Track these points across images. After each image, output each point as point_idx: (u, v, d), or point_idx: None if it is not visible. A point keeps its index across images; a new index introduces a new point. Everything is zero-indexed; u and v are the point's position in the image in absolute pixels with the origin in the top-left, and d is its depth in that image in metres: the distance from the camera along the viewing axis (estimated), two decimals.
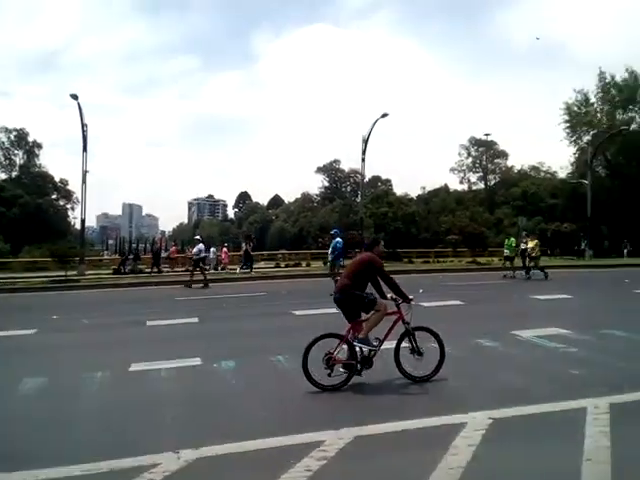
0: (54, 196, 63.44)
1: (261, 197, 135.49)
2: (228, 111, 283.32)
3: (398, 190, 71.62)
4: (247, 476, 3.87)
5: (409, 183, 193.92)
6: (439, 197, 68.41)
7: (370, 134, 30.99)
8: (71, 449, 4.34)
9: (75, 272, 23.90)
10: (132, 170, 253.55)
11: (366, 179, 39.24)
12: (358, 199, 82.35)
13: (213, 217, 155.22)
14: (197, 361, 7.09)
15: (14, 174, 67.44)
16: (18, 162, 69.53)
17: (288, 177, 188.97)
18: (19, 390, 6.06)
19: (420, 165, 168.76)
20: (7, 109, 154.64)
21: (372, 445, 4.28)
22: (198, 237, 21.64)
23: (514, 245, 20.70)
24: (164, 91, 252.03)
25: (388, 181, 79.28)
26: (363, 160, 32.05)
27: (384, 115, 30.43)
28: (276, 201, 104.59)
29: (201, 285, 18.15)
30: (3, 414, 5.33)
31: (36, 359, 7.79)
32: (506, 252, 21.05)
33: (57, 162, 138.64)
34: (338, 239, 15.81)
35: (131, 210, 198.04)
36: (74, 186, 61.30)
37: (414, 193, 73.06)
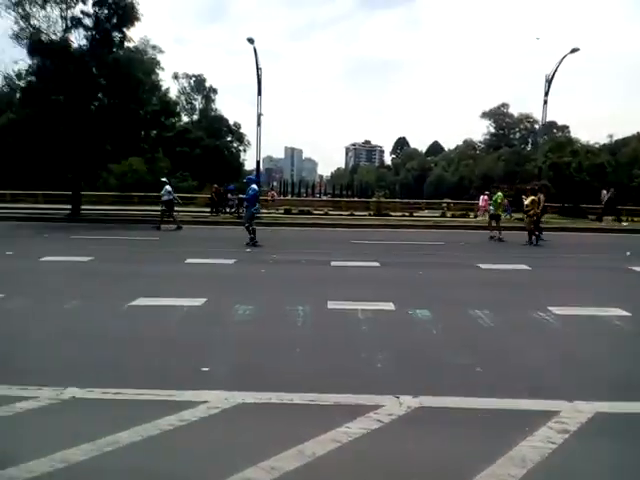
0: (229, 138, 68.73)
1: (419, 143, 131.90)
2: (386, 53, 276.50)
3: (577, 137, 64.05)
4: (479, 435, 3.64)
5: (590, 130, 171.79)
6: (629, 147, 59.42)
7: (555, 73, 28.04)
8: (291, 375, 4.55)
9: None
10: (294, 114, 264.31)
11: (542, 125, 35.54)
12: (529, 147, 75.98)
13: (370, 163, 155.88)
14: (390, 306, 7.05)
15: (195, 117, 74.41)
16: (198, 106, 76.46)
17: (449, 123, 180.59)
18: (236, 315, 6.63)
19: (604, 110, 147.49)
20: (185, 55, 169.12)
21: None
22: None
23: (499, 201, 17.27)
24: (323, 35, 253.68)
25: (565, 127, 71.10)
26: (545, 103, 29.05)
27: (574, 50, 27.20)
28: (435, 148, 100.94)
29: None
30: (231, 338, 5.84)
31: (240, 287, 8.52)
32: (491, 209, 17.72)
33: (228, 106, 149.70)
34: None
35: (293, 154, 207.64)
36: (245, 129, 65.99)
37: (596, 142, 64.91)
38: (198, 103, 76.53)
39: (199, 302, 7.12)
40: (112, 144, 23.44)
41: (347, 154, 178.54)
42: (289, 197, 70.42)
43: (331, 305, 7.02)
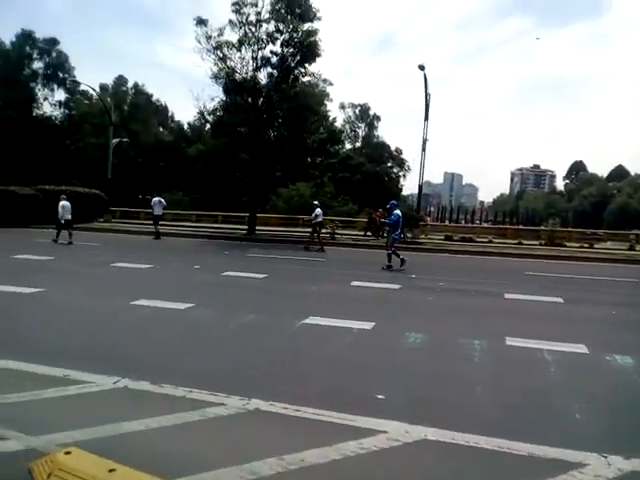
0: (389, 164, 69.79)
1: (598, 168, 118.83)
2: (562, 71, 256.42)
3: None
4: None
5: None
6: None
7: None
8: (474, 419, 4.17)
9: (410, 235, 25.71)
10: (455, 139, 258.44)
11: None
12: None
13: (537, 189, 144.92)
14: (582, 348, 6.20)
15: (357, 144, 77.13)
16: (361, 134, 79.25)
17: (636, 144, 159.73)
18: (407, 342, 6.42)
19: None
20: (351, 86, 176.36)
21: None
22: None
23: None
24: (491, 57, 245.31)
25: None
26: None
27: None
28: (619, 172, 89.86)
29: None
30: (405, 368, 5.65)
31: (409, 313, 8.30)
32: None
33: (390, 132, 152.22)
34: None
35: (452, 179, 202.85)
36: (406, 154, 66.41)
37: None
38: (361, 131, 79.36)
39: (368, 325, 7.07)
40: (283, 170, 25.41)
41: (512, 179, 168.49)
42: (447, 223, 68.62)
43: (510, 342, 6.42)
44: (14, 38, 64.08)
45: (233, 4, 20.70)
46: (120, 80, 69.76)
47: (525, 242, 25.54)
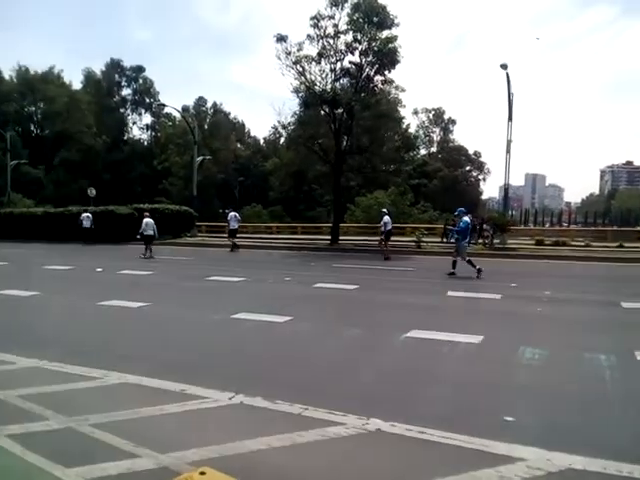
0: (467, 168, 67.80)
1: None
2: None
3: None
4: None
5: None
6: None
7: None
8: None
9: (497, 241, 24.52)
10: (536, 138, 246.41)
11: None
12: None
13: (632, 186, 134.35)
14: None
15: (432, 150, 75.61)
16: (435, 138, 77.62)
17: None
18: (523, 358, 5.98)
19: None
20: (424, 91, 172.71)
21: None
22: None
23: None
24: (573, 51, 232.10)
25: None
26: None
27: None
28: None
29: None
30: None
31: (518, 325, 7.79)
32: None
33: (467, 136, 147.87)
34: None
35: (534, 180, 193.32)
36: (485, 157, 64.22)
37: None
38: (436, 135, 77.82)
39: (476, 339, 6.68)
40: (361, 179, 25.30)
41: (602, 178, 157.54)
42: (531, 226, 65.21)
43: None
44: (104, 67, 69.41)
45: (311, 19, 21.06)
46: (200, 101, 73.32)
47: (627, 245, 23.56)
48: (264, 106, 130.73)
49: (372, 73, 21.48)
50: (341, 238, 25.27)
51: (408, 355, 6.29)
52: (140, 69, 69.50)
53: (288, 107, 34.67)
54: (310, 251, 21.89)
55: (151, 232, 19.86)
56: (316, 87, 21.49)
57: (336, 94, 21.10)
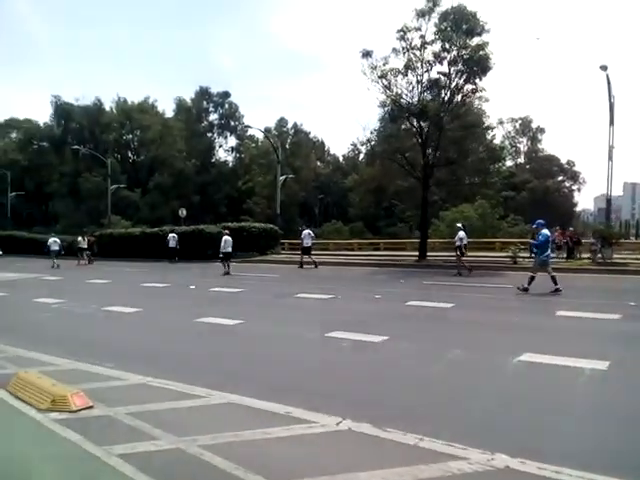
0: (560, 178, 63.94)
1: None
2: None
3: None
4: None
5: None
6: None
7: None
8: None
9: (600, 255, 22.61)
10: (636, 143, 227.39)
11: None
12: None
13: None
14: None
15: (519, 160, 72.11)
16: (522, 149, 74.03)
17: None
18: None
19: None
20: (509, 99, 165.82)
21: None
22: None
23: None
24: None
25: None
26: None
27: None
28: None
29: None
30: None
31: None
32: None
33: (556, 144, 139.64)
34: None
35: (634, 190, 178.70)
36: (579, 166, 60.31)
37: None
38: (523, 145, 74.37)
39: (602, 365, 5.95)
40: (446, 193, 24.52)
41: None
42: (632, 239, 60.04)
43: None
44: (193, 95, 73.59)
45: (398, 32, 20.78)
46: (281, 122, 75.41)
47: None
48: (343, 124, 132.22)
49: (461, 82, 20.86)
50: (428, 254, 24.49)
51: (526, 381, 5.71)
52: (226, 94, 72.89)
53: (369, 122, 34.68)
54: (397, 268, 21.35)
55: (229, 249, 20.60)
56: (402, 100, 21.16)
57: (424, 106, 20.61)
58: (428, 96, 21.30)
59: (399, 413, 4.70)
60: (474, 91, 20.85)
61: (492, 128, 23.12)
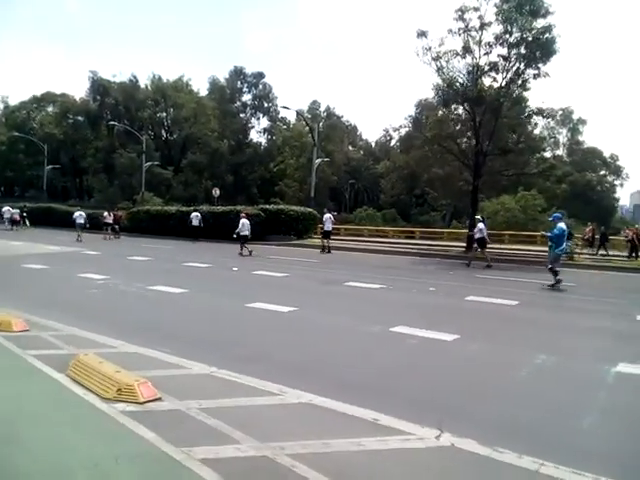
0: (602, 172, 61.60)
1: None
2: None
3: None
4: None
5: None
6: None
7: None
8: None
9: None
10: None
11: None
12: None
13: None
14: None
15: (557, 152, 69.65)
16: (562, 140, 71.43)
17: None
18: None
19: None
20: (547, 88, 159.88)
21: None
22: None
23: None
24: None
25: None
26: None
27: None
28: None
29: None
30: None
31: None
32: None
33: (600, 137, 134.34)
34: None
35: None
36: (623, 161, 58.04)
37: None
38: (562, 137, 71.78)
39: None
40: (489, 183, 23.52)
41: None
42: None
43: None
44: (227, 75, 73.15)
45: (456, 11, 19.84)
46: (314, 105, 74.41)
47: None
48: (375, 109, 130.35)
49: (523, 66, 19.73)
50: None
51: (630, 397, 5.10)
52: (260, 75, 72.23)
53: (406, 108, 33.60)
54: (443, 259, 20.54)
55: (246, 232, 20.51)
56: (457, 84, 20.18)
57: (482, 90, 19.59)
58: (485, 80, 20.28)
59: (501, 428, 4.20)
60: (536, 76, 19.69)
61: (552, 116, 21.58)
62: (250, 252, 19.72)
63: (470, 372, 5.81)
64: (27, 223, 36.55)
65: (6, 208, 36.09)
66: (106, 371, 4.82)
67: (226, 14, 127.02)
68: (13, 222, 35.07)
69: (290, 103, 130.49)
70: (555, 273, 12.50)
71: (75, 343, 6.23)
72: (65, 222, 32.57)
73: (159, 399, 4.46)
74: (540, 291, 12.40)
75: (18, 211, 36.22)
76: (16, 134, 62.15)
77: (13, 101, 77.05)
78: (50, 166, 57.03)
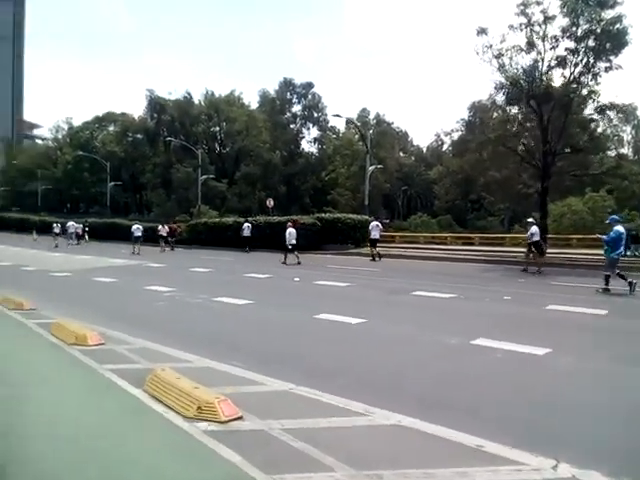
0: None
1: None
2: None
3: None
4: None
5: None
6: None
7: None
8: None
9: None
10: None
11: None
12: None
13: None
14: None
15: (622, 151, 65.89)
16: (626, 138, 67.57)
17: None
18: None
19: None
20: (611, 84, 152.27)
21: None
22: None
23: None
24: None
25: None
26: None
27: None
28: None
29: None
30: None
31: None
32: None
33: None
34: None
35: None
36: None
37: None
38: (626, 134, 67.95)
39: None
40: (551, 185, 22.29)
41: None
42: None
43: None
44: (277, 87, 74.17)
45: (518, 6, 19.03)
46: (364, 112, 74.15)
47: None
48: (426, 115, 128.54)
49: (592, 60, 18.70)
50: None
51: None
52: (310, 85, 72.71)
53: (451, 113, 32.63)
54: (509, 265, 19.52)
55: (294, 241, 20.63)
56: (521, 81, 19.27)
57: (549, 86, 18.63)
58: (552, 76, 19.26)
59: (627, 458, 3.66)
60: (608, 69, 18.53)
61: (624, 111, 20.26)
62: (284, 262, 19.89)
63: (576, 391, 5.21)
64: (86, 238, 38.57)
65: (70, 223, 38.37)
66: (184, 387, 4.65)
67: (273, 26, 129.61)
68: (78, 237, 37.38)
69: (339, 112, 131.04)
70: (623, 277, 12.11)
71: (149, 357, 6.14)
72: (127, 236, 33.77)
73: (240, 418, 4.23)
74: (626, 298, 11.46)
75: (81, 226, 38.55)
76: (80, 153, 65.53)
77: (77, 122, 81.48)
78: (112, 183, 59.63)
